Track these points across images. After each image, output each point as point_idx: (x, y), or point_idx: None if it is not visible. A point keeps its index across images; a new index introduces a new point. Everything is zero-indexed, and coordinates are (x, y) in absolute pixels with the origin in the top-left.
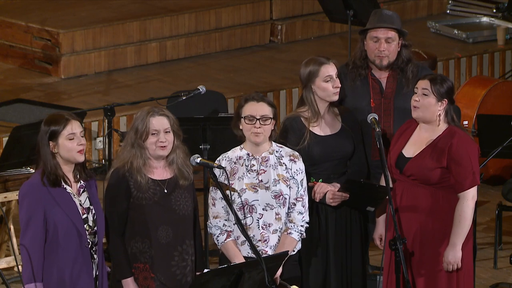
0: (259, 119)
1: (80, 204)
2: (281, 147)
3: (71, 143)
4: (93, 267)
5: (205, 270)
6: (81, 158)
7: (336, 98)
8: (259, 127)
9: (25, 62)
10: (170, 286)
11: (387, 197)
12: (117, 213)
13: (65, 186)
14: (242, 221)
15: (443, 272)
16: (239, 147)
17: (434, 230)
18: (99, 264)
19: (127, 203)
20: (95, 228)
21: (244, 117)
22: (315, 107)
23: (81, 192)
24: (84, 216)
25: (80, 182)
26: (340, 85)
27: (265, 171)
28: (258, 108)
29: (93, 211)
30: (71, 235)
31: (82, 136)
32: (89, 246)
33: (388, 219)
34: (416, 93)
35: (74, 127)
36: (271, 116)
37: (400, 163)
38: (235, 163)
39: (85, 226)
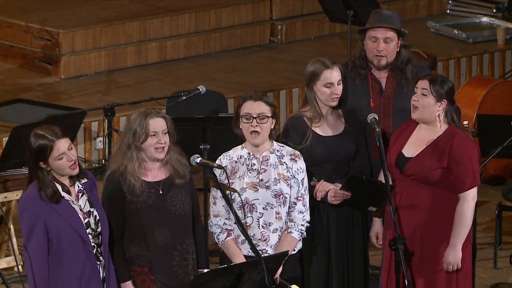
0: (255, 118)
1: (80, 209)
2: (282, 146)
3: (61, 162)
4: (99, 270)
5: (205, 270)
6: (74, 172)
7: (333, 104)
8: (256, 126)
9: (25, 62)
10: (173, 286)
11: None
12: (114, 217)
13: (63, 194)
14: (243, 220)
15: (442, 272)
16: (240, 146)
17: (434, 230)
18: (106, 264)
19: (123, 207)
20: (99, 230)
21: (242, 115)
22: (317, 107)
23: (80, 196)
24: (86, 220)
25: (78, 186)
26: (339, 93)
27: (266, 170)
28: (255, 107)
29: (95, 213)
30: (75, 243)
31: (71, 149)
32: (94, 249)
33: (388, 219)
34: (415, 93)
35: (61, 147)
36: (269, 115)
37: (400, 163)
38: (236, 162)
39: (87, 230)
